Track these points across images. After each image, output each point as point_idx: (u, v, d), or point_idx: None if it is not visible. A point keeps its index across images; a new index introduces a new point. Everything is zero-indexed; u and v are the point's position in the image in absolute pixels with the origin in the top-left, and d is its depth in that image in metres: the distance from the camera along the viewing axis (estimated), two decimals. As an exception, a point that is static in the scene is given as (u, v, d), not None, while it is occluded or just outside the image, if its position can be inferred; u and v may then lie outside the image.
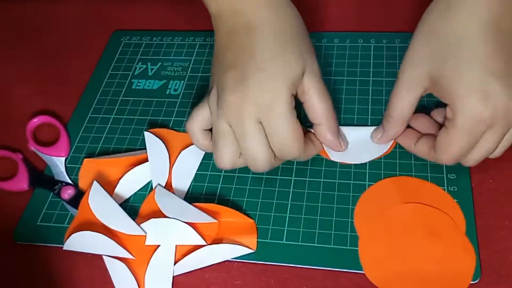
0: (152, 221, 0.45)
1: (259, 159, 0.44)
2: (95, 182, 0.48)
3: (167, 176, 0.49)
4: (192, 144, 0.51)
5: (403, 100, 0.44)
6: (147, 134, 0.51)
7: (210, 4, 0.46)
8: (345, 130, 0.49)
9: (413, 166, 0.47)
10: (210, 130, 0.47)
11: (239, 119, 0.43)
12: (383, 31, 0.58)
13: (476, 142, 0.41)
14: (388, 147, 0.49)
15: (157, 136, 0.51)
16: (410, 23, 0.58)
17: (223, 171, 0.49)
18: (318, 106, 0.45)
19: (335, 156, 0.49)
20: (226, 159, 0.45)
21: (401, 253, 0.43)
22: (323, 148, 0.48)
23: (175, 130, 0.53)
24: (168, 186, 0.49)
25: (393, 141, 0.48)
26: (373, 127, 0.49)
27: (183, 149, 0.51)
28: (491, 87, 0.40)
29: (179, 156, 0.50)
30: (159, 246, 0.45)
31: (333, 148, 0.48)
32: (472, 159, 0.43)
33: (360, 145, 0.49)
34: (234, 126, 0.43)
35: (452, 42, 0.41)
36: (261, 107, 0.42)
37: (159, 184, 0.48)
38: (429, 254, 0.42)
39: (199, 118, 0.46)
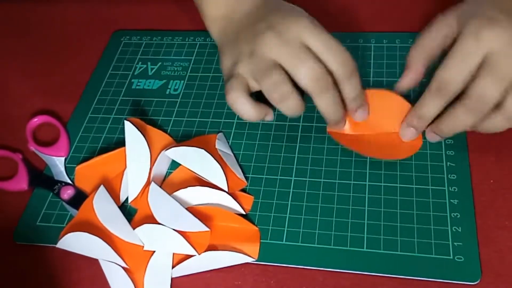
0: (146, 226, 0.44)
1: (320, 75, 0.45)
2: (101, 186, 0.47)
3: (146, 180, 0.47)
4: (171, 146, 0.49)
5: (430, 32, 0.46)
6: (127, 124, 0.48)
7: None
8: None
9: (413, 166, 0.47)
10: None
11: (287, 45, 0.45)
12: (383, 31, 0.58)
13: (470, 67, 0.42)
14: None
15: (139, 130, 0.48)
16: (410, 23, 0.58)
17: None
18: None
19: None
20: (298, 98, 0.46)
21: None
22: None
23: (164, 130, 0.52)
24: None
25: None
26: None
27: (162, 150, 0.49)
28: (498, 17, 0.42)
29: (158, 157, 0.48)
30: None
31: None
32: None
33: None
34: (284, 58, 0.45)
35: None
36: (303, 28, 0.45)
37: (153, 181, 0.46)
38: (385, 124, 0.48)
39: (240, 83, 0.47)
